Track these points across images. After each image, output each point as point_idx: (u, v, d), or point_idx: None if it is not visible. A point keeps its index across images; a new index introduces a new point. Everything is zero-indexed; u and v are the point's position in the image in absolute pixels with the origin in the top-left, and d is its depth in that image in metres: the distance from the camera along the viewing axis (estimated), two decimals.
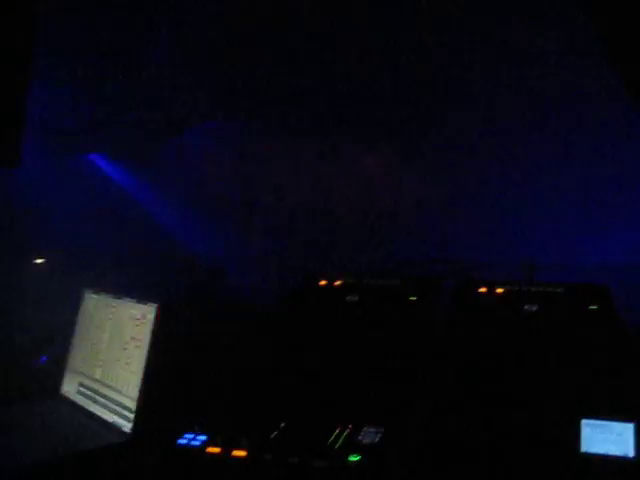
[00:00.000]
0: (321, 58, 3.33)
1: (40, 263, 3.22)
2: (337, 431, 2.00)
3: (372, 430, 1.98)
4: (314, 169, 3.73)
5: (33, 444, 2.19)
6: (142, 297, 2.38)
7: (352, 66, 3.34)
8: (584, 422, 1.71)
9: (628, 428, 1.67)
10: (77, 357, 2.65)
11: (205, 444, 2.02)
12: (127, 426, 2.22)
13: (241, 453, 1.95)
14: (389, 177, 3.69)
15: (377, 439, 1.94)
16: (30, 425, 2.34)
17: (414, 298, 2.39)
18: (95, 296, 2.67)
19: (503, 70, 2.97)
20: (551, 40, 2.80)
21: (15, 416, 2.40)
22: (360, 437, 1.96)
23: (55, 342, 2.80)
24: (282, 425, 2.05)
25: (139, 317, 2.35)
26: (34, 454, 2.10)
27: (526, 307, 2.26)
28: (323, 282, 2.60)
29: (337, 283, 2.58)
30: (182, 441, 2.05)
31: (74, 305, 2.74)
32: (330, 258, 3.37)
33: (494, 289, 2.38)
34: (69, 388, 2.62)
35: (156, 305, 2.29)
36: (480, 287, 2.40)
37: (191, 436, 2.06)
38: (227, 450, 1.98)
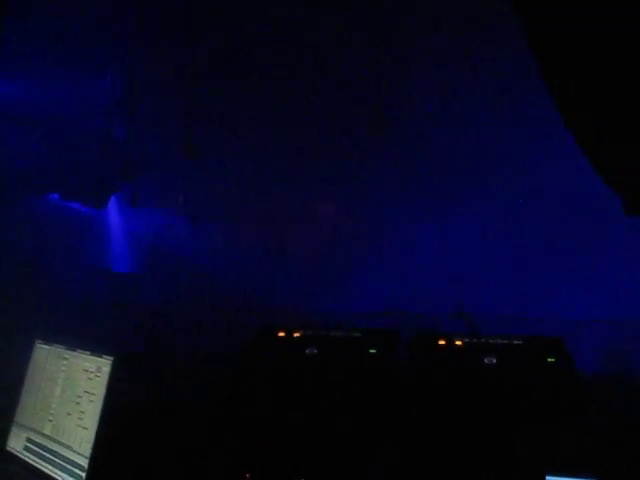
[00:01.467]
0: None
1: None
2: None
3: None
4: (267, 214, 3.73)
5: None
6: (97, 349, 2.31)
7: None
8: (548, 479, 1.71)
9: None
10: (25, 411, 2.54)
11: None
12: None
13: None
14: (344, 227, 3.71)
15: None
16: None
17: (374, 351, 2.38)
18: (46, 347, 2.58)
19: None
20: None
21: None
22: None
23: (0, 394, 2.68)
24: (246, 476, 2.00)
25: (93, 370, 2.28)
26: None
27: (485, 360, 2.27)
28: (282, 334, 2.57)
29: (296, 335, 2.55)
30: None
31: (23, 355, 2.64)
32: (281, 310, 3.35)
33: (453, 341, 2.39)
34: (15, 444, 2.50)
35: (112, 358, 2.23)
36: (439, 339, 2.41)
37: None
38: None
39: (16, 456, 2.46)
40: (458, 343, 2.37)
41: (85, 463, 2.15)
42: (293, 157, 3.82)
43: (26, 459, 2.41)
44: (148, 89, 4.18)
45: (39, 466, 2.34)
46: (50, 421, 2.40)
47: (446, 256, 3.05)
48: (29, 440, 2.45)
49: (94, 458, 2.12)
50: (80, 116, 4.27)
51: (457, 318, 2.66)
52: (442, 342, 2.39)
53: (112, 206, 4.97)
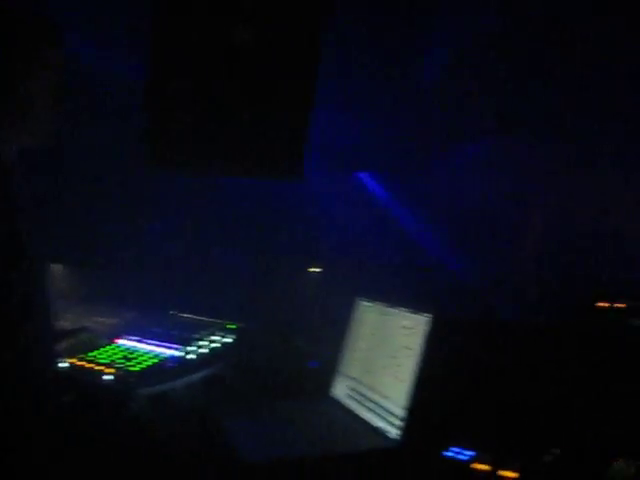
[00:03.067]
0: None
1: (315, 272, 3.42)
2: (615, 465, 1.85)
3: None
4: (599, 188, 3.54)
5: (306, 438, 2.30)
6: (415, 307, 2.41)
7: None
8: None
9: None
10: (347, 362, 2.76)
11: (472, 459, 1.99)
12: (394, 432, 2.26)
13: (511, 474, 1.89)
14: None
15: None
16: (304, 421, 2.47)
17: None
18: (368, 304, 2.76)
19: None
20: None
21: (291, 412, 2.55)
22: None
23: (327, 347, 2.94)
24: (556, 450, 1.95)
25: (411, 326, 2.39)
26: (307, 447, 2.22)
27: None
28: (603, 304, 2.44)
29: (619, 305, 2.41)
30: (448, 454, 2.04)
31: (347, 312, 2.86)
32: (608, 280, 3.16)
33: None
34: (339, 391, 2.73)
35: (430, 316, 2.31)
36: None
37: (458, 450, 2.04)
38: (496, 468, 1.93)
39: (339, 402, 2.69)
40: None
41: (401, 413, 2.26)
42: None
43: (348, 405, 2.62)
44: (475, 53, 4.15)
45: (359, 412, 2.52)
46: (369, 372, 2.57)
47: None
48: (350, 389, 2.66)
49: (411, 409, 2.23)
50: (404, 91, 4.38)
51: None
52: None
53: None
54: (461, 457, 2.01)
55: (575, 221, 3.60)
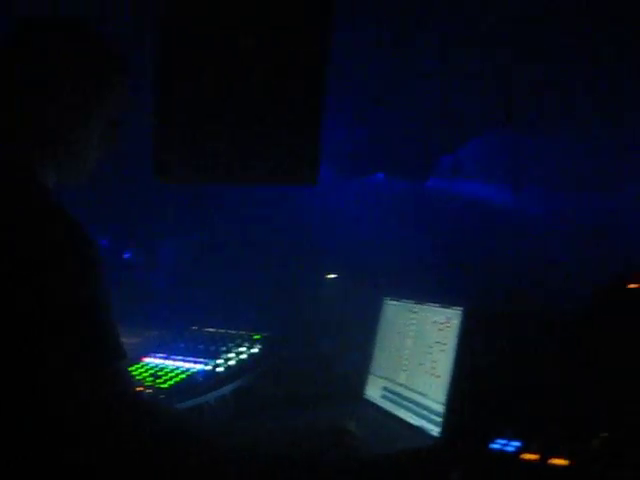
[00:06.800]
0: None
1: (335, 278, 3.39)
2: None
3: None
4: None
5: None
6: (446, 301, 2.39)
7: None
8: None
9: None
10: (379, 363, 2.73)
11: (520, 450, 1.96)
12: (435, 430, 2.23)
13: (561, 462, 1.86)
14: None
15: None
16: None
17: None
18: (395, 303, 2.74)
19: None
20: None
21: (322, 417, 2.52)
22: None
23: (356, 349, 2.92)
24: (604, 435, 1.93)
25: (443, 321, 2.37)
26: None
27: None
28: (634, 285, 2.41)
29: None
30: (495, 446, 2.01)
31: (373, 313, 2.84)
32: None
33: None
34: (373, 393, 2.71)
35: (461, 309, 2.29)
36: None
37: (504, 441, 2.01)
38: (545, 457, 1.90)
39: (374, 403, 2.66)
40: None
41: (441, 409, 2.24)
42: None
43: (383, 406, 2.59)
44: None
45: (396, 412, 2.49)
46: (404, 371, 2.55)
47: None
48: (385, 389, 2.63)
49: (450, 404, 2.20)
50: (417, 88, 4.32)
51: None
52: None
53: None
54: (508, 449, 1.98)
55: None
